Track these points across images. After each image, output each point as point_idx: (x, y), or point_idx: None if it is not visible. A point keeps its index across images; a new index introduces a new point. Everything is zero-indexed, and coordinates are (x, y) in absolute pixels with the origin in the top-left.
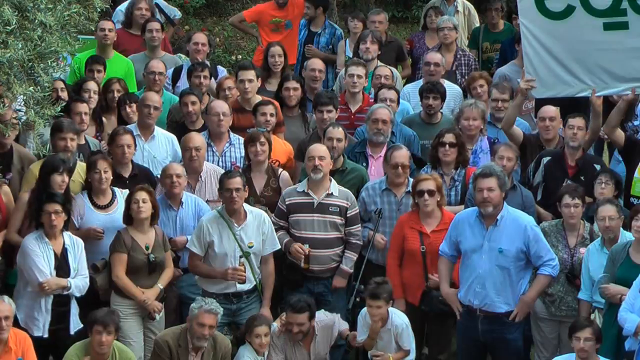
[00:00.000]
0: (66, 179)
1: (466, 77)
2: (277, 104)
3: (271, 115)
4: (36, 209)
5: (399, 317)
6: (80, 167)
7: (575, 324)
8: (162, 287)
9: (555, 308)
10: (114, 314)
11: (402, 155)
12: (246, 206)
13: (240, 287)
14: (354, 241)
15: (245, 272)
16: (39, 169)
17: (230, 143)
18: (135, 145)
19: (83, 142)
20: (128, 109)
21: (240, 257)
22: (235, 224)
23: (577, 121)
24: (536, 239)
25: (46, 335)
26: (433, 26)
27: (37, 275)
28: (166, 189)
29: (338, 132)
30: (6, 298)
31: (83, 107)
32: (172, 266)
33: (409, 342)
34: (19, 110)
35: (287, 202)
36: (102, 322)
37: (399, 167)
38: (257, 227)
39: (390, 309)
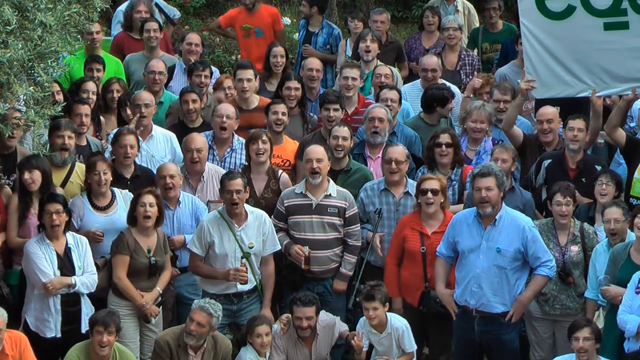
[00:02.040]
0: (32, 175)
1: (470, 76)
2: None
3: (283, 114)
4: (24, 210)
5: (398, 320)
6: (79, 168)
7: (574, 324)
8: (160, 291)
9: (549, 307)
10: (115, 315)
11: (397, 151)
12: (247, 206)
13: (240, 287)
14: (352, 242)
15: (247, 273)
16: None
17: (232, 149)
18: (139, 146)
19: (84, 143)
20: (129, 111)
21: (242, 257)
22: (236, 225)
23: (577, 123)
24: (534, 239)
25: (59, 335)
26: (430, 28)
27: (40, 277)
28: (161, 190)
29: (344, 131)
30: None
31: (84, 109)
32: (170, 268)
33: (411, 344)
34: (19, 110)
35: (285, 204)
36: (103, 323)
37: (393, 163)
38: (258, 228)
39: (389, 313)
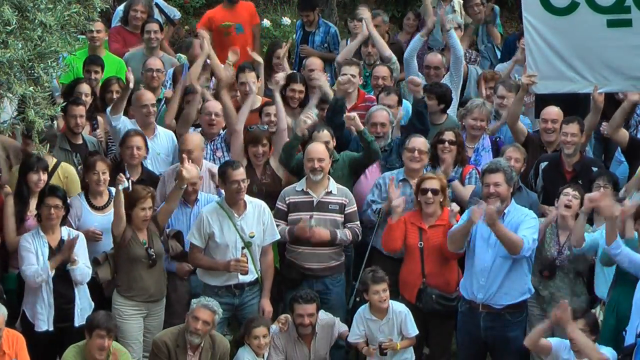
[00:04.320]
0: (43, 176)
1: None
2: None
3: (275, 115)
4: (21, 212)
5: (398, 305)
6: (62, 169)
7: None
8: None
9: (547, 304)
10: (112, 316)
11: (420, 141)
12: (246, 197)
13: (242, 278)
14: (352, 226)
15: (247, 263)
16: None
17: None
18: (148, 149)
19: (80, 142)
20: (131, 112)
21: (243, 248)
22: (236, 215)
23: (571, 128)
24: (526, 222)
25: (52, 329)
26: (409, 30)
27: (26, 274)
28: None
29: (324, 135)
30: None
31: (79, 110)
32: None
33: (414, 328)
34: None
35: (287, 201)
36: (106, 328)
37: (416, 151)
38: (258, 217)
39: (389, 300)
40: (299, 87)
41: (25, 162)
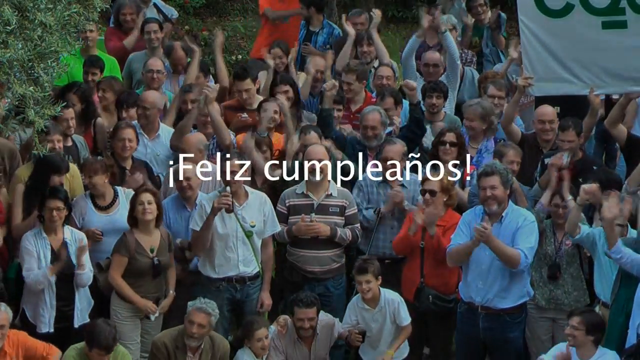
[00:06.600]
0: (63, 179)
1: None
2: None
3: (275, 112)
4: (29, 204)
5: (390, 293)
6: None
7: (570, 311)
8: (174, 294)
9: (546, 301)
10: (112, 329)
11: (394, 150)
12: (247, 187)
13: (243, 270)
14: (354, 228)
15: (230, 197)
16: (26, 171)
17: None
18: (138, 141)
19: (70, 143)
20: (124, 114)
21: (226, 187)
22: (237, 204)
23: (567, 135)
24: (524, 229)
25: (52, 330)
26: (434, 24)
27: (27, 275)
28: (178, 192)
29: (313, 137)
30: (3, 306)
31: (69, 113)
32: (174, 266)
33: (407, 317)
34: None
35: (287, 204)
36: (106, 347)
37: (392, 160)
38: (259, 207)
39: (381, 289)
40: (282, 88)
41: (50, 162)
